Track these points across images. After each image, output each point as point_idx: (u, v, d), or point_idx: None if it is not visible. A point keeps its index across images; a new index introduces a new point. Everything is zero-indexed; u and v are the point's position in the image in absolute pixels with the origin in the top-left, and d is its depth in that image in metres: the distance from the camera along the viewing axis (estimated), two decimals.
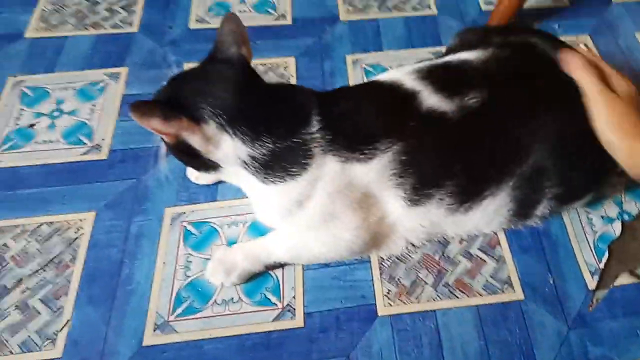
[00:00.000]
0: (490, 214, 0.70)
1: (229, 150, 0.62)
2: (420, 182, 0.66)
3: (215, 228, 0.78)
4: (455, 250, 0.76)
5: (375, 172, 0.64)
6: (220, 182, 0.82)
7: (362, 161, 0.64)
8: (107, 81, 0.96)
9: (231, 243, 0.76)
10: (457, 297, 0.72)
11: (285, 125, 0.63)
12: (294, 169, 0.63)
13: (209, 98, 0.61)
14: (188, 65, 0.98)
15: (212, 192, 0.82)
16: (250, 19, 1.08)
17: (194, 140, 0.61)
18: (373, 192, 0.67)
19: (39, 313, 0.69)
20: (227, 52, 0.66)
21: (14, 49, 1.01)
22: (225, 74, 0.64)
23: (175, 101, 0.61)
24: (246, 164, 0.63)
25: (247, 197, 0.75)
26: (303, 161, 0.62)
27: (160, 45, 1.03)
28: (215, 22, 1.07)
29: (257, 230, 0.78)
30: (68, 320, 0.69)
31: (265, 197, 0.67)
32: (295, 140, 0.62)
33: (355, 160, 0.64)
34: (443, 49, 1.02)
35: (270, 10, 1.10)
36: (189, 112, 0.60)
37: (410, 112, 0.66)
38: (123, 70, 0.98)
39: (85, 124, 0.90)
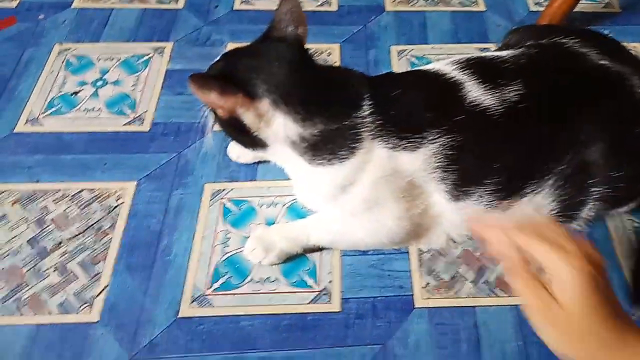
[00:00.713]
0: (531, 213, 0.69)
1: (280, 129, 0.61)
2: (462, 179, 0.65)
3: (253, 207, 0.78)
4: None
5: (421, 162, 0.63)
6: (260, 162, 0.81)
7: (409, 149, 0.63)
8: (152, 55, 0.96)
9: (270, 223, 0.76)
10: (498, 296, 0.70)
11: (338, 108, 0.62)
12: (342, 152, 0.62)
13: (264, 75, 0.60)
14: (231, 45, 0.98)
15: (252, 171, 0.81)
16: None
17: (247, 116, 0.60)
18: (418, 182, 0.66)
19: (77, 277, 0.70)
20: (284, 32, 0.65)
21: (62, 17, 1.02)
22: (281, 53, 0.63)
23: (231, 76, 0.61)
24: (295, 143, 0.62)
25: (286, 179, 0.75)
26: (352, 145, 0.62)
27: (204, 24, 1.02)
28: (260, 5, 1.07)
29: (296, 212, 0.77)
30: (106, 286, 0.69)
31: (310, 179, 0.66)
32: (346, 123, 0.61)
33: (402, 148, 0.63)
34: (489, 46, 1.01)
35: None
36: (245, 88, 0.59)
37: (456, 104, 0.65)
38: (167, 45, 0.98)
39: (129, 95, 0.90)
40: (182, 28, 1.01)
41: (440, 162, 0.63)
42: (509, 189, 0.66)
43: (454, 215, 0.69)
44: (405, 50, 0.99)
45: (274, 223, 0.76)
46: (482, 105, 0.64)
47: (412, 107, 0.65)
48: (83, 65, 0.94)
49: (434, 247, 0.74)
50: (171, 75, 0.93)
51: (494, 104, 0.64)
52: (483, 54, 0.73)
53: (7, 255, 0.71)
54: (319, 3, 1.08)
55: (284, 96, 0.60)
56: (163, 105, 0.89)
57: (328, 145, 0.62)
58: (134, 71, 0.93)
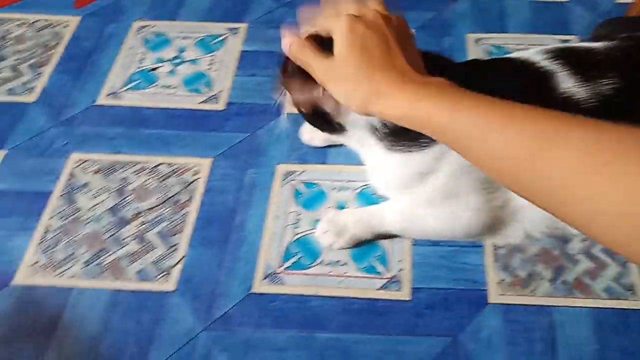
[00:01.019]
0: None
1: None
2: None
3: (324, 190, 0.78)
4: (577, 248, 0.72)
5: None
6: (331, 145, 0.81)
7: None
8: (227, 35, 0.97)
9: (340, 207, 0.76)
10: (576, 297, 0.68)
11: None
12: (422, 140, 0.61)
13: None
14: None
15: (323, 154, 0.81)
16: None
17: (329, 103, 0.60)
18: None
19: (155, 247, 0.72)
20: None
21: None
22: None
23: None
24: (375, 129, 0.61)
25: (357, 164, 0.74)
26: None
27: (278, 5, 1.03)
28: None
29: (366, 198, 0.76)
30: (183, 257, 0.71)
31: (387, 166, 0.65)
32: None
33: None
34: (571, 37, 0.96)
35: None
36: None
37: (547, 94, 0.62)
38: (242, 26, 0.99)
39: (205, 74, 0.91)
40: (256, 9, 1.02)
41: None
42: None
43: (533, 211, 0.67)
44: (482, 39, 0.96)
45: (344, 207, 0.76)
46: (574, 97, 0.61)
47: (498, 95, 0.63)
48: (161, 42, 0.96)
49: (510, 242, 0.71)
50: (245, 56, 0.94)
51: (587, 96, 0.61)
52: (575, 45, 0.70)
53: (90, 222, 0.74)
54: None
55: None
56: (237, 86, 0.90)
57: (410, 131, 0.61)
58: (210, 51, 0.95)
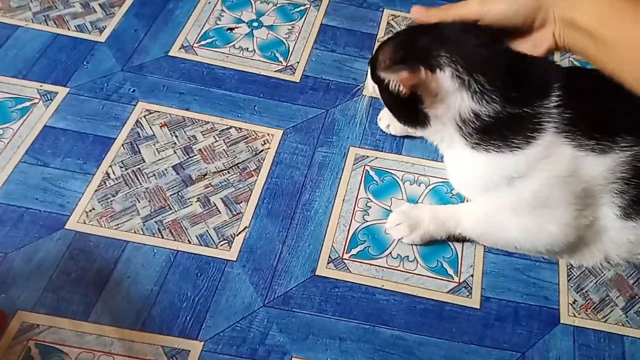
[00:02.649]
0: None
1: (454, 103, 0.57)
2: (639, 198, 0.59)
3: (396, 181, 0.74)
4: None
5: (606, 168, 0.58)
6: (408, 136, 0.78)
7: (597, 152, 0.57)
8: (308, 6, 0.93)
9: (411, 200, 0.72)
10: None
11: (522, 91, 0.57)
12: (516, 141, 0.57)
13: (446, 47, 0.56)
14: (387, 12, 0.94)
15: (398, 144, 0.78)
16: None
17: (426, 89, 0.56)
18: (594, 190, 0.60)
19: (219, 212, 0.68)
20: None
21: None
22: (466, 29, 0.59)
23: (410, 51, 0.57)
24: (464, 122, 0.58)
25: (433, 159, 0.71)
26: (530, 134, 0.57)
27: None
28: None
29: (439, 196, 0.73)
30: (246, 227, 0.67)
31: (472, 166, 0.62)
32: (528, 109, 0.56)
33: (589, 149, 0.57)
34: None
35: None
36: (425, 61, 0.56)
37: None
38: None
39: (283, 42, 0.88)
40: None
41: (625, 173, 0.58)
42: None
43: (619, 234, 0.64)
44: None
45: (416, 202, 0.72)
46: None
47: (609, 106, 0.59)
48: (240, 2, 0.92)
49: (587, 264, 0.68)
50: (325, 30, 0.90)
51: None
52: None
53: (153, 176, 0.71)
54: None
55: (466, 67, 0.55)
56: (315, 60, 0.86)
57: (501, 129, 0.57)
58: (290, 19, 0.91)
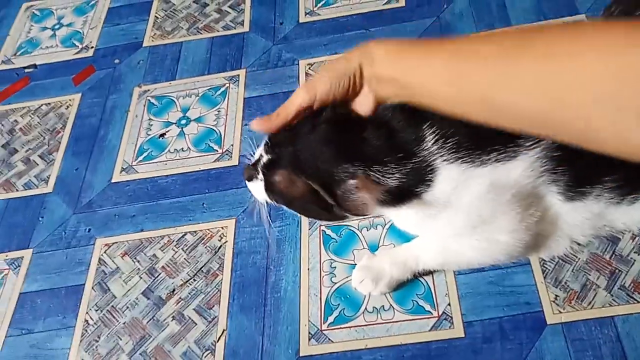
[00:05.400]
0: None
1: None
2: (575, 179, 0.58)
3: (353, 231, 0.75)
4: (629, 247, 0.68)
5: (523, 169, 0.57)
6: None
7: (503, 160, 0.57)
8: (228, 85, 0.96)
9: (372, 247, 0.73)
10: (637, 301, 0.64)
11: (402, 150, 0.57)
12: (419, 189, 0.57)
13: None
14: (302, 63, 0.95)
15: None
16: (361, 6, 1.02)
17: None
18: (526, 190, 0.60)
19: (195, 323, 0.71)
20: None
21: (136, 58, 1.04)
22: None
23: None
24: (381, 202, 0.57)
25: None
26: (427, 179, 0.56)
27: (273, 43, 1.01)
28: (325, 14, 1.03)
29: (398, 234, 0.74)
30: (224, 330, 0.69)
31: (403, 218, 0.63)
32: (415, 160, 0.56)
33: (493, 161, 0.57)
34: (580, 17, 0.92)
35: None
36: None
37: None
38: (241, 72, 0.97)
39: (213, 130, 0.90)
40: (252, 52, 1.00)
41: (547, 165, 0.57)
42: (632, 183, 0.59)
43: (573, 216, 0.63)
44: None
45: (377, 247, 0.73)
46: None
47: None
48: (164, 105, 0.96)
49: (556, 253, 0.68)
50: (249, 103, 0.93)
51: None
52: None
53: (127, 309, 0.73)
54: (385, 1, 1.03)
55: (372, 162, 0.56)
56: (247, 136, 0.88)
57: (408, 187, 0.57)
58: (214, 104, 0.94)
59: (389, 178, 0.56)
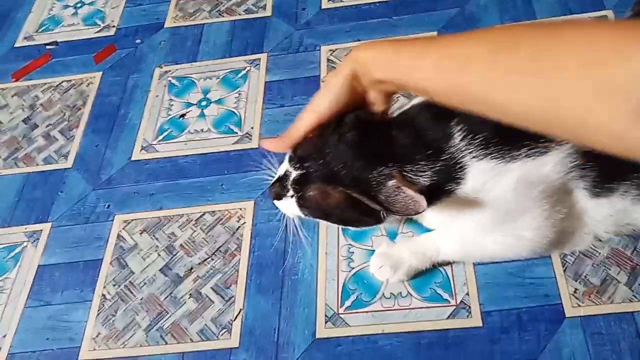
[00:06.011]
0: None
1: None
2: (602, 176, 0.58)
3: None
4: None
5: (553, 164, 0.57)
6: None
7: (533, 156, 0.56)
8: (249, 68, 0.96)
9: (390, 234, 0.73)
10: None
11: (431, 147, 0.57)
12: (449, 186, 0.57)
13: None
14: (324, 49, 0.95)
15: None
16: None
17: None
18: (553, 187, 0.59)
19: (212, 302, 0.71)
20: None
21: (158, 38, 1.04)
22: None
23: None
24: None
25: None
26: (457, 176, 0.57)
27: (295, 29, 1.00)
28: (348, 0, 1.02)
29: (417, 224, 0.73)
30: (241, 310, 0.70)
31: (424, 215, 0.63)
32: (444, 158, 0.57)
33: (523, 156, 0.56)
34: (607, 13, 0.91)
35: None
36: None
37: None
38: (262, 57, 0.97)
39: (234, 113, 0.90)
40: (274, 37, 1.00)
41: (576, 161, 0.57)
42: None
43: (598, 211, 0.62)
44: None
45: (396, 234, 0.73)
46: None
47: None
48: (185, 86, 0.96)
49: (579, 248, 0.67)
50: (270, 87, 0.92)
51: None
52: None
53: (144, 285, 0.74)
54: None
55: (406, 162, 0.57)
56: (267, 120, 0.88)
57: (440, 186, 0.57)
58: (234, 87, 0.93)
59: (421, 176, 0.56)
